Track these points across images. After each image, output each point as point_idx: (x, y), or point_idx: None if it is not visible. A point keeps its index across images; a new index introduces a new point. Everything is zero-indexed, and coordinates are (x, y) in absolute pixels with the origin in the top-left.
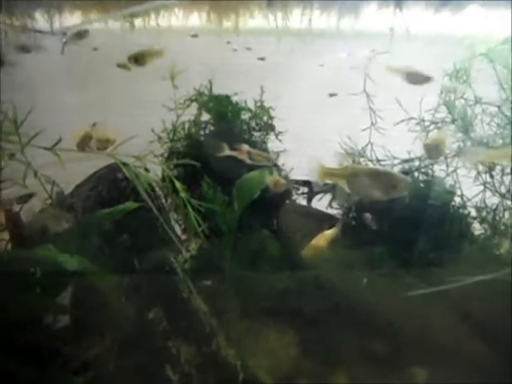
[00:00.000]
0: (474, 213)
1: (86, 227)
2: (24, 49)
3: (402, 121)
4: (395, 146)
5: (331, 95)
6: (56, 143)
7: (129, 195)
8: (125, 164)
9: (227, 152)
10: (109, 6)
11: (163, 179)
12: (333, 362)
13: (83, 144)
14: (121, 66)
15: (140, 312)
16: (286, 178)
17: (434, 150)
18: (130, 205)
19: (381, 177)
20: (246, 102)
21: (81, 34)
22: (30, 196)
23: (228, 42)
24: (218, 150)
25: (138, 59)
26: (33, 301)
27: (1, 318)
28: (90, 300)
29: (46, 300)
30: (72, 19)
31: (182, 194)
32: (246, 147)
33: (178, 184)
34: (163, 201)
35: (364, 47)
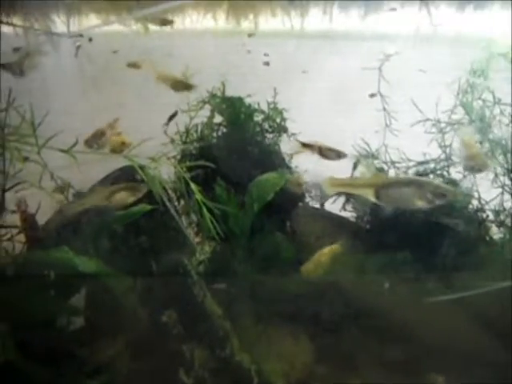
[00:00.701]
0: (492, 216)
1: (101, 229)
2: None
3: (419, 122)
4: (410, 147)
5: (372, 95)
6: (73, 145)
7: (142, 197)
8: (141, 166)
9: (300, 149)
10: (123, 8)
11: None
12: (348, 367)
13: (92, 141)
14: (131, 65)
15: (154, 315)
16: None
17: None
18: (144, 207)
19: (425, 186)
20: (258, 103)
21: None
22: (64, 188)
23: (242, 45)
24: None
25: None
26: (47, 303)
27: (17, 320)
28: (104, 302)
29: (59, 302)
30: (87, 22)
31: (198, 196)
32: (318, 143)
33: (193, 185)
34: (176, 203)
35: (383, 48)
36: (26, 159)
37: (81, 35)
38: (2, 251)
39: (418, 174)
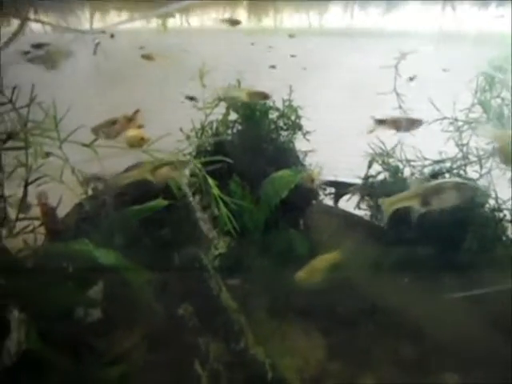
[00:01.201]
0: (509, 216)
1: (118, 223)
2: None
3: (436, 120)
4: (426, 146)
5: (411, 79)
6: (94, 140)
7: (158, 193)
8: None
9: (375, 126)
10: (145, 5)
11: (192, 176)
12: (361, 364)
13: (99, 129)
14: (145, 57)
15: (170, 308)
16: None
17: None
18: (160, 202)
19: (462, 188)
20: (274, 101)
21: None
22: (97, 179)
23: (252, 44)
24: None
25: None
26: (66, 294)
27: (37, 310)
28: (121, 295)
29: (77, 294)
30: (110, 19)
31: (215, 191)
32: (394, 116)
33: (210, 180)
34: (190, 199)
35: (405, 45)
36: (48, 154)
37: (103, 32)
38: (23, 243)
39: (434, 172)
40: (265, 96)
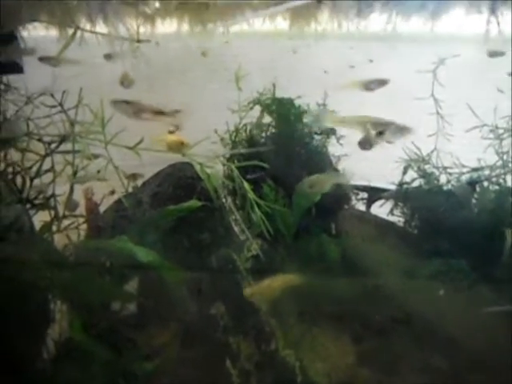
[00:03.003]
0: None
1: (152, 222)
2: (108, 57)
3: (475, 127)
4: (464, 153)
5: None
6: (138, 143)
7: (192, 193)
8: (200, 164)
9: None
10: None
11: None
12: (391, 372)
13: (119, 103)
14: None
15: (203, 307)
16: (345, 182)
17: None
18: (195, 203)
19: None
20: (308, 105)
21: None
22: (136, 176)
23: (294, 52)
24: None
25: None
26: (104, 288)
27: (80, 303)
28: (156, 291)
29: (115, 288)
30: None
31: (250, 195)
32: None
33: (246, 184)
34: (223, 200)
35: (446, 50)
36: (96, 157)
37: (148, 41)
38: (67, 239)
39: (472, 180)
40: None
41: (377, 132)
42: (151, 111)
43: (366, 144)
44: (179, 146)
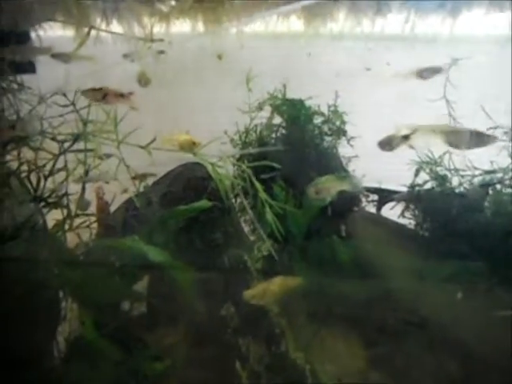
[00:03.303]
0: None
1: (162, 222)
2: (127, 56)
3: (489, 129)
4: (478, 155)
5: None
6: (150, 142)
7: (202, 194)
8: (211, 164)
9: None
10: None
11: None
12: (401, 377)
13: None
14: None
15: (213, 307)
16: (356, 184)
17: None
18: (205, 203)
19: None
20: (319, 106)
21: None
22: (146, 176)
23: (308, 55)
24: None
25: None
26: (114, 287)
27: (91, 302)
28: (166, 291)
29: (125, 288)
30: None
31: (262, 195)
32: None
33: (257, 184)
34: (233, 201)
35: (459, 51)
36: (108, 156)
37: (161, 40)
38: (78, 238)
39: (485, 183)
40: None
41: (403, 135)
42: (114, 94)
43: (386, 145)
44: (190, 146)
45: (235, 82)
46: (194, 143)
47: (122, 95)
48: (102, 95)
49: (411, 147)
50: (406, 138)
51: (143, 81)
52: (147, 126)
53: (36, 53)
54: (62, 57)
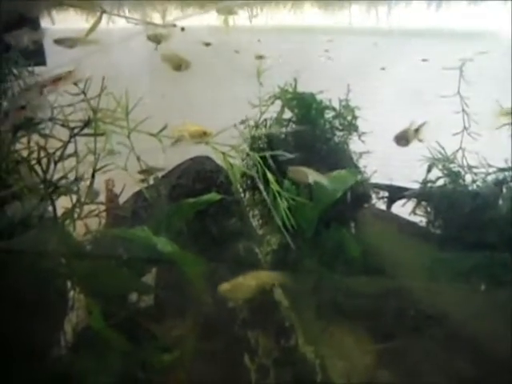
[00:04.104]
0: None
1: (171, 214)
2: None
3: (503, 125)
4: (491, 153)
5: None
6: (161, 130)
7: (211, 187)
8: (223, 154)
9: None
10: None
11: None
12: (411, 374)
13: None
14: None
15: (222, 299)
16: (366, 180)
17: None
18: (214, 196)
19: None
20: (330, 100)
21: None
22: (152, 170)
23: (326, 51)
24: None
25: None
26: (122, 278)
27: (98, 292)
28: (174, 283)
29: (132, 279)
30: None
31: (274, 187)
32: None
33: (269, 176)
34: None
35: (469, 46)
36: (113, 152)
37: (174, 25)
38: (85, 228)
39: (498, 181)
40: None
41: (414, 129)
42: (51, 81)
43: (402, 139)
44: (201, 136)
45: (247, 75)
46: (204, 133)
47: (60, 78)
48: (40, 90)
49: (420, 141)
50: (417, 131)
51: (183, 65)
52: (155, 118)
53: (42, 44)
54: (65, 42)
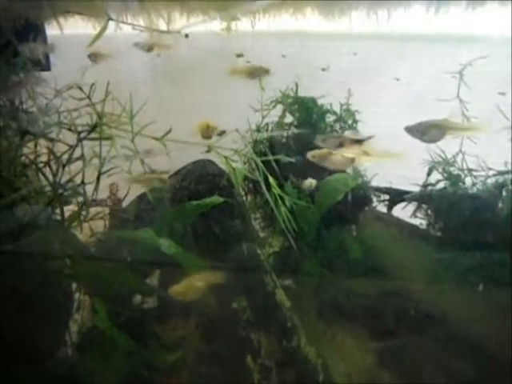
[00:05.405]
0: None
1: (175, 217)
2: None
3: (504, 128)
4: (491, 156)
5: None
6: (165, 133)
7: (214, 190)
8: (225, 157)
9: None
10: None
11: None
12: (411, 375)
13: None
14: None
15: (225, 301)
16: (366, 184)
17: None
18: (216, 199)
19: None
20: (331, 104)
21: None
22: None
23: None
24: None
25: None
26: (126, 280)
27: (104, 293)
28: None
29: (137, 280)
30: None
31: (275, 190)
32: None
33: (271, 179)
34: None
35: (467, 50)
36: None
37: (178, 32)
38: (90, 230)
39: (498, 184)
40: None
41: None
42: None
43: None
44: (206, 130)
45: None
46: (208, 126)
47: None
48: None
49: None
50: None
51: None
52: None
53: (47, 51)
54: (143, 46)
